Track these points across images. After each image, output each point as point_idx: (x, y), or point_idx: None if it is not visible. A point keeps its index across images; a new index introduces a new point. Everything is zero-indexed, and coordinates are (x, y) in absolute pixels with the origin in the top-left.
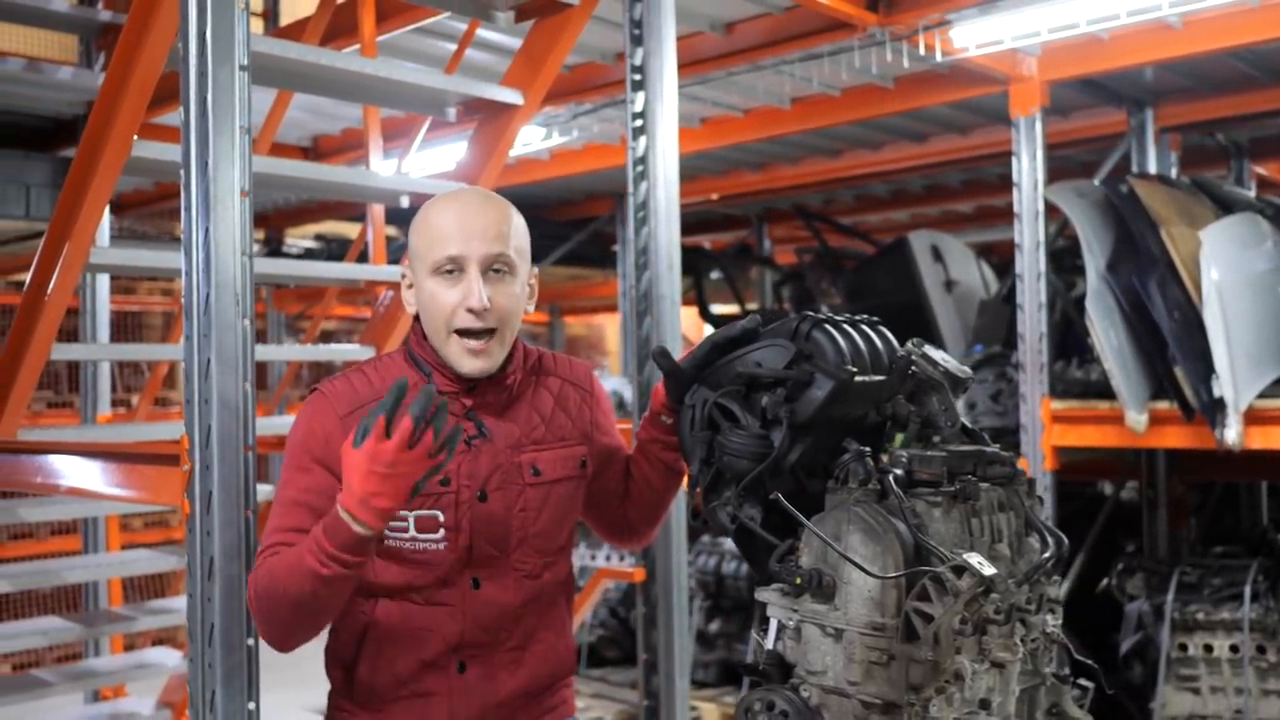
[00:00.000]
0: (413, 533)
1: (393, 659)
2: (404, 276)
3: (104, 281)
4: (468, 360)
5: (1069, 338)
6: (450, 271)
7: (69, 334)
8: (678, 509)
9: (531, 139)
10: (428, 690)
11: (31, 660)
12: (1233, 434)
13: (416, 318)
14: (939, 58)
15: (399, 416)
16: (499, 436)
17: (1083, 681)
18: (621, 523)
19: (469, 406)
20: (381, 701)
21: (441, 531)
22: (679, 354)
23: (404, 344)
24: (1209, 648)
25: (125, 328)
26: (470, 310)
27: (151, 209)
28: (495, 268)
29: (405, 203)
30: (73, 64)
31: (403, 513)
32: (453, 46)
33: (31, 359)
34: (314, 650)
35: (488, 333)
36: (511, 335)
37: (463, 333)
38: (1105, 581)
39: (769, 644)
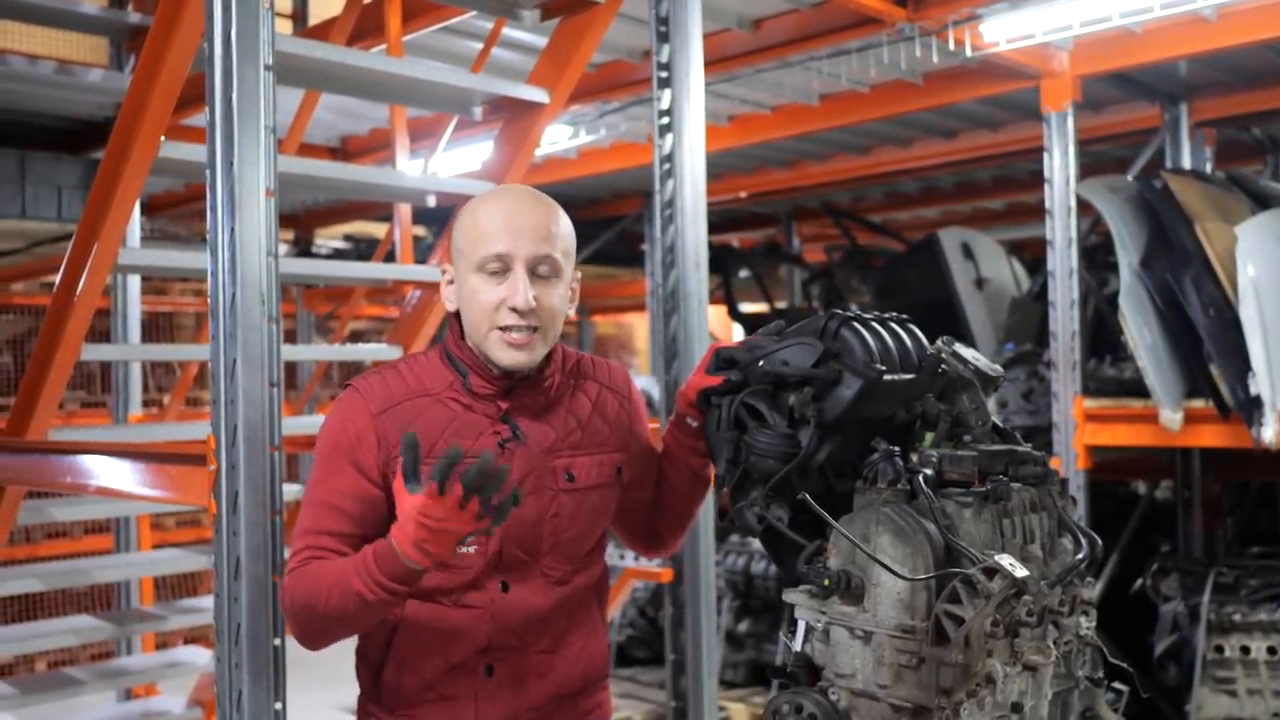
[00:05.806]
0: None
1: (419, 661)
2: (444, 273)
3: (134, 282)
4: (508, 352)
5: (1102, 335)
6: (495, 270)
7: (101, 335)
8: (705, 510)
9: (559, 137)
10: (454, 694)
11: (65, 658)
12: (1270, 432)
13: (456, 316)
14: (969, 53)
15: (453, 479)
16: (534, 440)
17: (1117, 685)
18: (649, 533)
19: (505, 409)
20: (408, 705)
21: (471, 535)
22: (702, 354)
23: (440, 343)
24: (1246, 649)
25: (158, 328)
26: (514, 309)
27: (182, 210)
28: (541, 270)
29: (432, 202)
30: (103, 66)
31: None
32: (479, 45)
33: (61, 359)
34: (342, 650)
35: (530, 329)
36: (554, 336)
37: (504, 328)
38: (1139, 582)
39: (797, 646)
